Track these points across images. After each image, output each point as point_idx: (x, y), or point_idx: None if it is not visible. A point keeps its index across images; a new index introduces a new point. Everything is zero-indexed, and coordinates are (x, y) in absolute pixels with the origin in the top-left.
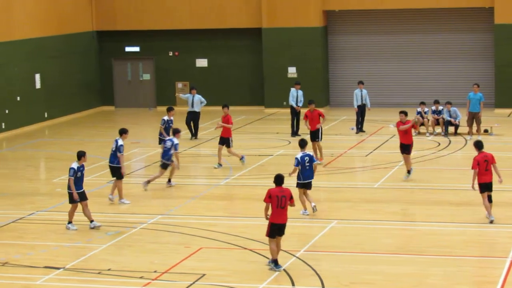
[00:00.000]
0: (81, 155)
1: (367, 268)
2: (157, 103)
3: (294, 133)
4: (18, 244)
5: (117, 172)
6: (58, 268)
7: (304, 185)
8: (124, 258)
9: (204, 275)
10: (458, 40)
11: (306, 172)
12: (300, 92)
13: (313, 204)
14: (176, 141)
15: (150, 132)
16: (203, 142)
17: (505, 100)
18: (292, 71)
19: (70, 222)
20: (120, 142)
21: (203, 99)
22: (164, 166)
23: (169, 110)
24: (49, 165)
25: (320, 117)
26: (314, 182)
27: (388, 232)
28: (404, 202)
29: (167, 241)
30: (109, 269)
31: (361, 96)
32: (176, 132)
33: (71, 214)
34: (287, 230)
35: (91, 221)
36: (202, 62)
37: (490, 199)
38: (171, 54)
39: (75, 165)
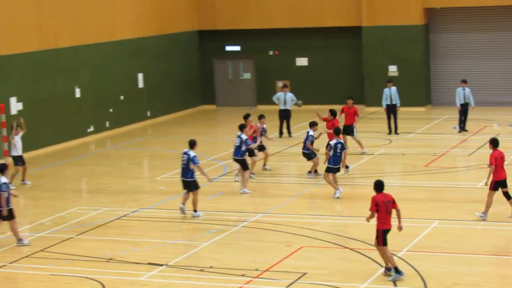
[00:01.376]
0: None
1: (469, 269)
2: (257, 102)
3: (393, 132)
4: (123, 240)
5: (243, 163)
6: (161, 265)
7: (334, 170)
8: (226, 256)
9: (305, 273)
10: None
11: (336, 158)
12: (394, 90)
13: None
14: (244, 136)
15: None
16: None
17: None
18: (392, 69)
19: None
20: (247, 136)
21: (294, 98)
22: (250, 155)
23: (260, 118)
24: (152, 163)
25: (355, 116)
26: (416, 182)
27: (491, 233)
28: (507, 203)
29: (268, 239)
30: (211, 267)
31: (464, 94)
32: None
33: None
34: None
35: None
36: (302, 61)
37: (507, 196)
38: (271, 53)
39: (5, 179)
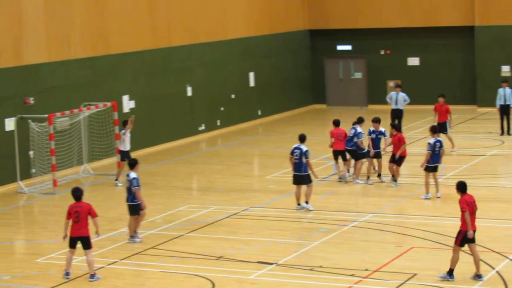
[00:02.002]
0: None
1: None
2: (368, 102)
3: (506, 132)
4: (232, 239)
5: (354, 154)
6: (271, 264)
7: (433, 168)
8: (336, 255)
9: (415, 274)
10: None
11: (435, 156)
12: (509, 90)
13: (438, 194)
14: (359, 129)
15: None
16: (414, 141)
17: None
18: (506, 69)
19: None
20: (359, 129)
21: (407, 97)
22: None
23: (360, 122)
24: (262, 162)
25: (448, 113)
26: None
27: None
28: None
29: (378, 239)
30: (320, 266)
31: None
32: (361, 121)
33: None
34: (499, 231)
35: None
36: (413, 61)
37: None
38: (382, 52)
39: (135, 174)
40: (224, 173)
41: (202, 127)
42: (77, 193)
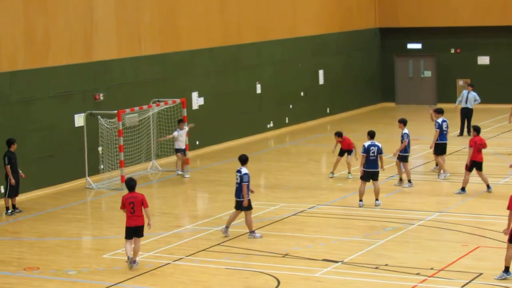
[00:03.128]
0: None
1: None
2: (437, 100)
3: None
4: (299, 236)
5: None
6: (337, 262)
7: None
8: (402, 254)
9: (481, 274)
10: None
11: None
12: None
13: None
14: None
15: (428, 129)
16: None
17: None
18: None
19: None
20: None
21: (477, 97)
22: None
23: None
24: (330, 160)
25: None
26: None
27: None
28: None
29: (445, 238)
30: (386, 265)
31: None
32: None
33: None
34: None
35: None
36: (484, 60)
37: None
38: (452, 51)
39: (246, 170)
40: (292, 170)
41: (271, 125)
42: (130, 183)
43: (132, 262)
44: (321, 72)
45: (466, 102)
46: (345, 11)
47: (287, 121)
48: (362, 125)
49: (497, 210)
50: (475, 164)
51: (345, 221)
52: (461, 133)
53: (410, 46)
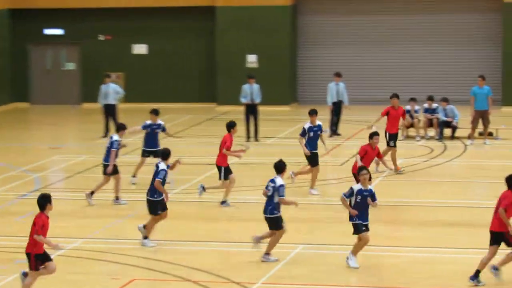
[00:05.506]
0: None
1: None
2: (83, 99)
3: (251, 137)
4: None
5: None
6: None
7: None
8: None
9: None
10: (458, 22)
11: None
12: (256, 87)
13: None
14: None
15: (74, 135)
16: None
17: None
18: (252, 59)
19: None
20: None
21: (119, 89)
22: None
23: (154, 113)
24: None
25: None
26: None
27: (368, 259)
28: (387, 221)
29: (90, 271)
30: None
31: (337, 91)
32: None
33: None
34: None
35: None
36: (140, 49)
37: None
38: (101, 38)
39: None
40: None
41: None
42: None
43: None
44: None
45: (105, 97)
46: None
47: None
48: None
49: (155, 233)
50: None
51: None
52: (105, 134)
53: (48, 31)
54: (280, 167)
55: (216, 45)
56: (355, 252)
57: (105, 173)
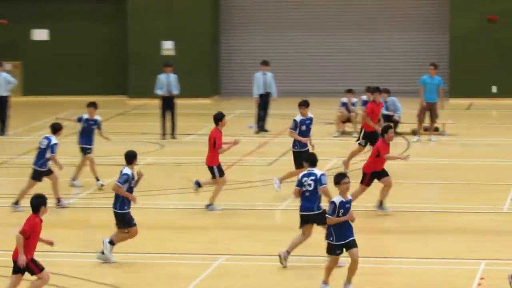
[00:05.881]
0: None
1: None
2: None
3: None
4: None
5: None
6: None
7: None
8: None
9: None
10: (401, 6)
11: None
12: (173, 77)
13: None
14: (54, 140)
15: None
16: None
17: (463, 87)
18: (168, 46)
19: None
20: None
21: (11, 78)
22: (36, 176)
23: (93, 106)
24: None
25: None
26: (196, 202)
27: (309, 272)
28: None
29: None
30: None
31: (264, 81)
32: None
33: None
34: None
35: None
36: (41, 34)
37: None
38: None
39: None
40: None
41: None
42: None
43: None
44: None
45: None
46: None
47: None
48: None
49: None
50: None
51: None
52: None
53: None
54: (314, 159)
55: (127, 30)
56: (349, 278)
57: (34, 178)
